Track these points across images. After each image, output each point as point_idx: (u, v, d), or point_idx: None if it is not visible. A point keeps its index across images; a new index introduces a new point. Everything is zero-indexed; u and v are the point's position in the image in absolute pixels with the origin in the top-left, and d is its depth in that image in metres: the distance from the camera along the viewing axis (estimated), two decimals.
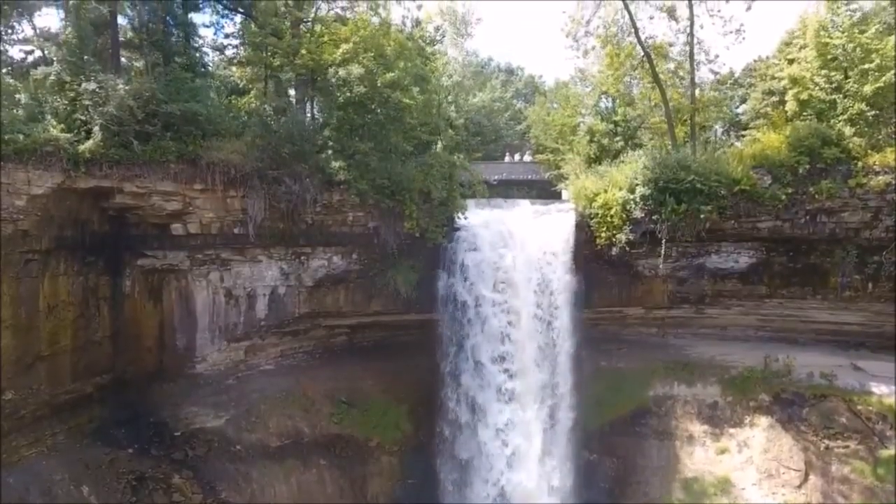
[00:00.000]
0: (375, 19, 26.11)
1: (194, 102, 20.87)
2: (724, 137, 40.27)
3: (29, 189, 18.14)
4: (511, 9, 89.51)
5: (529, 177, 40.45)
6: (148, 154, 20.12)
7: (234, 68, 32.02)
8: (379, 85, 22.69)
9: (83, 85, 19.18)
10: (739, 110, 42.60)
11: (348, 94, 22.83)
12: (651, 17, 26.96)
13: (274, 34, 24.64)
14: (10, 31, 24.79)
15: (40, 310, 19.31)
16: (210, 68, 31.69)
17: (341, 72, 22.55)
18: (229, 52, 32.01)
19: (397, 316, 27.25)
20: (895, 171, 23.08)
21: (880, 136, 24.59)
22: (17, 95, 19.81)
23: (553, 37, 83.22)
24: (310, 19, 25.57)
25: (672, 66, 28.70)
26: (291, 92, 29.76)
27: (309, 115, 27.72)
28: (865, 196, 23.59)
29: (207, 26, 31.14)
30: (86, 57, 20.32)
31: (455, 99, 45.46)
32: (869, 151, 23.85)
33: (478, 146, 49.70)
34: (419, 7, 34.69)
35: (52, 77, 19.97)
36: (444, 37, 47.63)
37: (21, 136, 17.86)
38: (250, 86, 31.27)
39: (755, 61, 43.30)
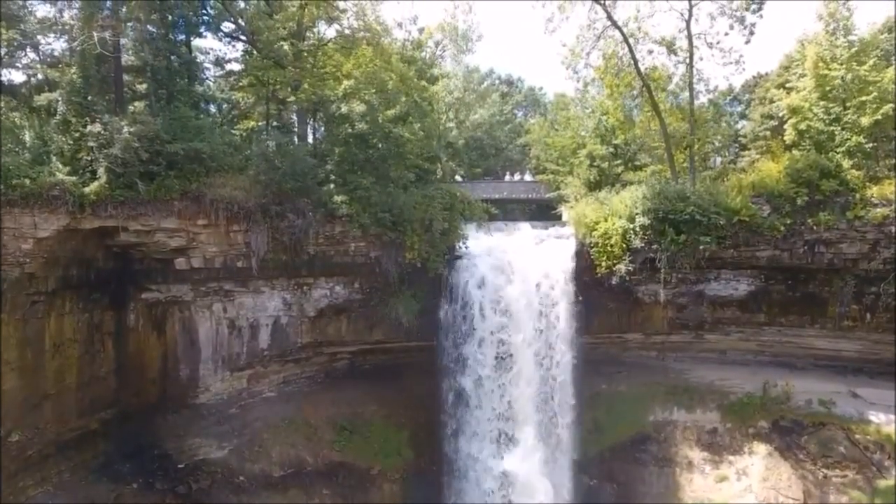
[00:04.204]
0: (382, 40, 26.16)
1: (198, 141, 20.98)
2: (725, 155, 40.42)
3: (35, 232, 18.31)
4: (512, 18, 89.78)
5: (530, 195, 40.53)
6: (152, 193, 20.28)
7: (236, 92, 32.16)
8: (381, 121, 22.82)
9: (88, 127, 19.33)
10: (738, 126, 42.70)
11: (350, 129, 22.96)
12: (650, 51, 27.20)
13: (277, 63, 24.83)
14: (11, 57, 25.05)
15: (46, 349, 19.50)
16: (212, 89, 31.95)
17: (343, 108, 22.66)
18: (232, 71, 32.18)
19: (399, 343, 27.43)
20: (893, 203, 23.25)
21: (878, 168, 24.71)
22: (22, 136, 19.87)
23: (553, 46, 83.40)
24: (307, 49, 25.63)
25: (671, 97, 28.84)
26: (293, 116, 30.02)
27: (311, 140, 27.95)
28: (863, 228, 23.78)
29: (207, 52, 31.06)
30: (90, 97, 20.44)
31: (456, 115, 45.59)
32: (867, 184, 24.04)
33: (478, 161, 49.88)
34: (420, 30, 34.71)
35: (58, 117, 20.10)
36: (444, 51, 47.64)
37: (27, 181, 18.01)
38: (252, 111, 31.55)
39: (754, 77, 43.50)
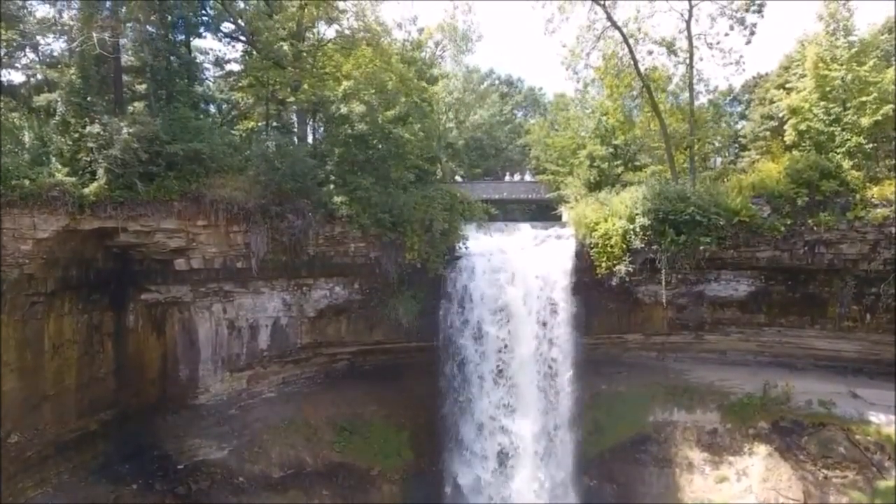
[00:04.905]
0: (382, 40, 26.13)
1: (197, 141, 20.94)
2: (725, 155, 40.42)
3: (34, 233, 18.28)
4: (512, 18, 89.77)
5: (530, 196, 40.60)
6: (152, 194, 20.25)
7: (235, 92, 32.13)
8: (380, 122, 22.79)
9: (87, 128, 19.30)
10: (738, 126, 42.69)
11: (350, 130, 22.94)
12: (650, 52, 27.19)
13: (277, 64, 24.82)
14: (11, 58, 25.02)
15: (45, 350, 19.47)
16: (212, 89, 31.94)
17: (343, 108, 22.63)
18: (232, 72, 32.14)
19: (399, 344, 27.43)
20: (893, 204, 23.22)
21: (878, 169, 24.68)
22: (22, 136, 19.85)
23: (553, 47, 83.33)
24: (307, 50, 25.61)
25: (671, 97, 28.83)
26: (293, 117, 30.01)
27: (311, 140, 27.95)
28: (863, 228, 23.71)
29: (207, 52, 31.04)
30: (89, 98, 20.41)
31: (456, 116, 45.60)
32: (867, 184, 23.99)
33: (478, 161, 49.88)
34: (420, 30, 34.66)
35: (57, 118, 20.08)
36: (444, 51, 47.67)
37: (27, 182, 18.00)
38: (251, 111, 31.52)
39: (754, 78, 43.47)
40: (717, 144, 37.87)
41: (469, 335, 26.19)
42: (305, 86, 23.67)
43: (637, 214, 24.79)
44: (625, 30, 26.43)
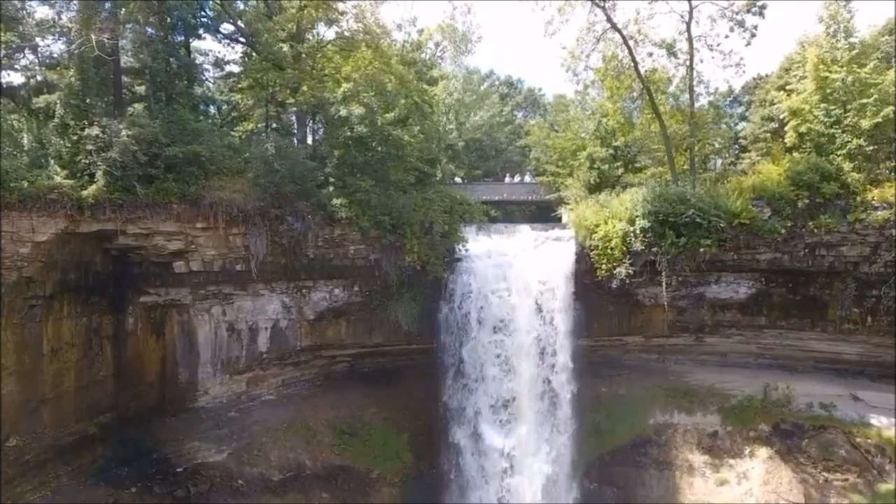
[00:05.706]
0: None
1: (197, 144, 20.88)
2: (725, 157, 40.35)
3: (33, 236, 18.22)
4: (512, 19, 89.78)
5: (530, 197, 40.40)
6: (151, 196, 20.18)
7: (235, 94, 32.06)
8: (380, 123, 22.75)
9: (86, 130, 19.26)
10: (739, 128, 42.64)
11: (349, 132, 22.90)
12: (650, 54, 27.16)
13: (276, 65, 24.78)
14: (10, 59, 24.96)
15: (44, 353, 19.43)
16: (212, 90, 31.89)
17: (342, 110, 22.59)
18: (231, 73, 32.09)
19: (399, 346, 27.38)
20: (894, 206, 23.18)
21: (878, 171, 24.65)
22: (21, 139, 19.82)
23: (553, 48, 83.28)
24: (307, 52, 25.58)
25: (671, 99, 28.78)
26: (293, 119, 29.98)
27: (310, 142, 27.92)
28: (864, 231, 23.70)
29: (206, 54, 31.00)
30: (89, 100, 20.37)
31: (456, 117, 45.54)
32: (868, 187, 23.97)
33: (478, 162, 49.76)
34: (420, 31, 34.61)
35: (56, 120, 20.03)
36: (444, 52, 47.65)
37: (26, 184, 17.93)
38: (251, 113, 31.45)
39: (754, 79, 43.42)
40: (717, 146, 37.77)
41: None
42: (305, 87, 23.64)
43: (637, 216, 24.69)
44: (625, 31, 26.39)
